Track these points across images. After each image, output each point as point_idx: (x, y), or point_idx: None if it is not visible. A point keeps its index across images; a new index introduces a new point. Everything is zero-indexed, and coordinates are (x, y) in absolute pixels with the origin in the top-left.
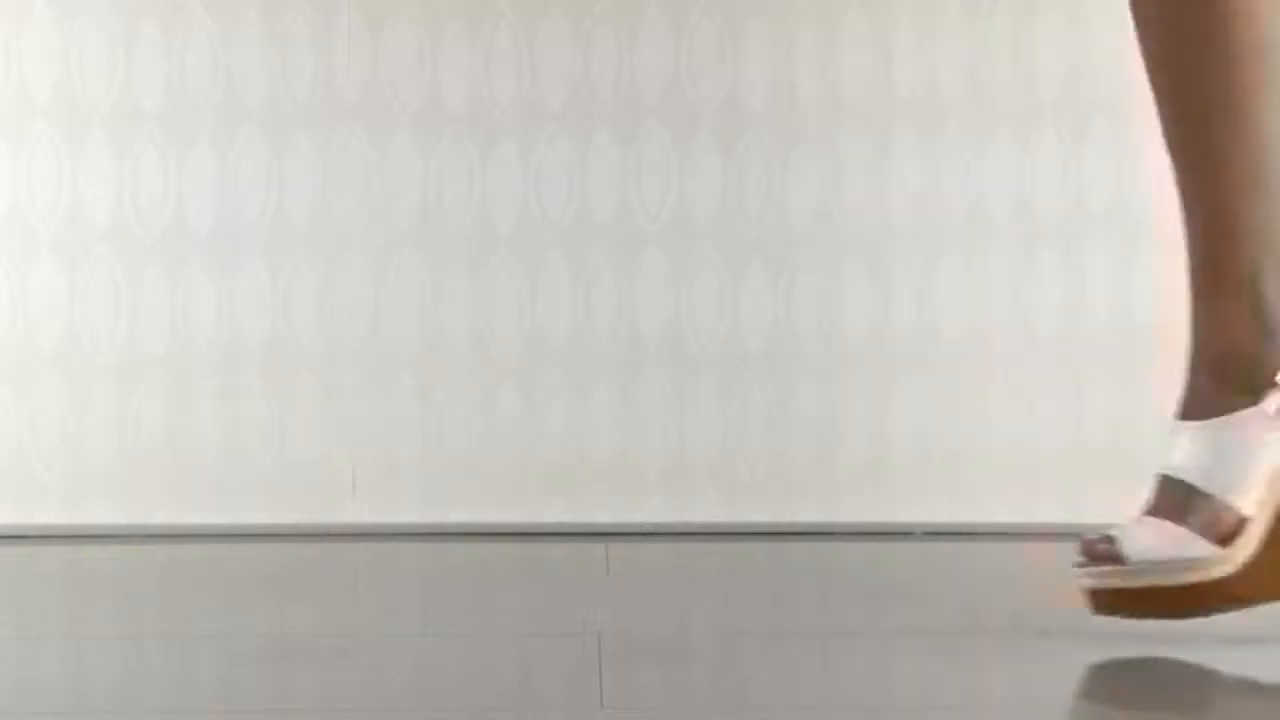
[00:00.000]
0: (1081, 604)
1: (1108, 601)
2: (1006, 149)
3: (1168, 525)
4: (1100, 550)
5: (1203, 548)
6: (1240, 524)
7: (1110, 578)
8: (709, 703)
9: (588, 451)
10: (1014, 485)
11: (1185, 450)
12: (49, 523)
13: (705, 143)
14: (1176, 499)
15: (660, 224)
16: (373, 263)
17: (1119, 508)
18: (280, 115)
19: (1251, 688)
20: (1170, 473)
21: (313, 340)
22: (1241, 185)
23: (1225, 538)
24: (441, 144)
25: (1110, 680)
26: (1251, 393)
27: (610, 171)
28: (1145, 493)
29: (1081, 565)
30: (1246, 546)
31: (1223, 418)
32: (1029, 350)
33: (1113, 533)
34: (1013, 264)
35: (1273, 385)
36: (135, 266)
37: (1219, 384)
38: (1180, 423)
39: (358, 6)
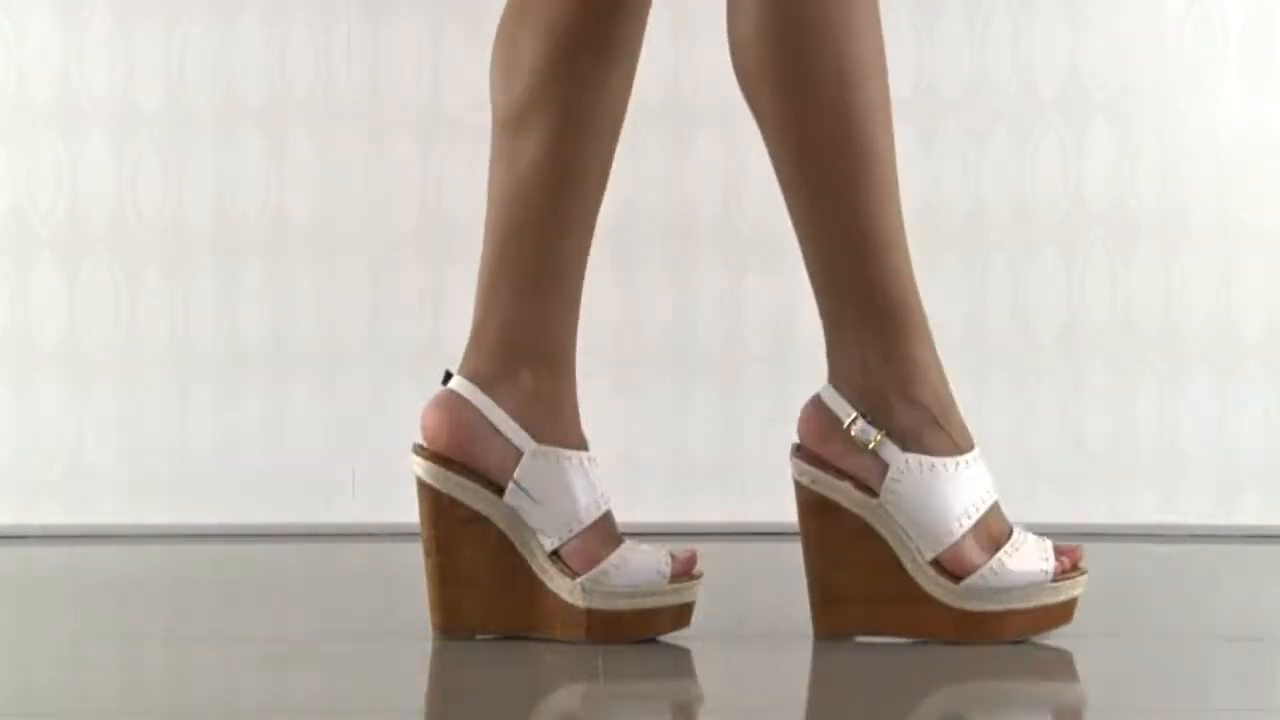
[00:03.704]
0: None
1: None
2: (1006, 149)
3: None
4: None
5: None
6: None
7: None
8: (711, 704)
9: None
10: (1015, 485)
11: None
12: (49, 523)
13: (705, 141)
14: None
15: (659, 223)
16: (373, 263)
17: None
18: (280, 115)
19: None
20: None
21: (313, 340)
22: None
23: None
24: (441, 144)
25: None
26: None
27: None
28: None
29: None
30: None
31: None
32: (1029, 350)
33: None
34: (1013, 264)
35: None
36: (135, 266)
37: None
38: None
39: (358, 6)
